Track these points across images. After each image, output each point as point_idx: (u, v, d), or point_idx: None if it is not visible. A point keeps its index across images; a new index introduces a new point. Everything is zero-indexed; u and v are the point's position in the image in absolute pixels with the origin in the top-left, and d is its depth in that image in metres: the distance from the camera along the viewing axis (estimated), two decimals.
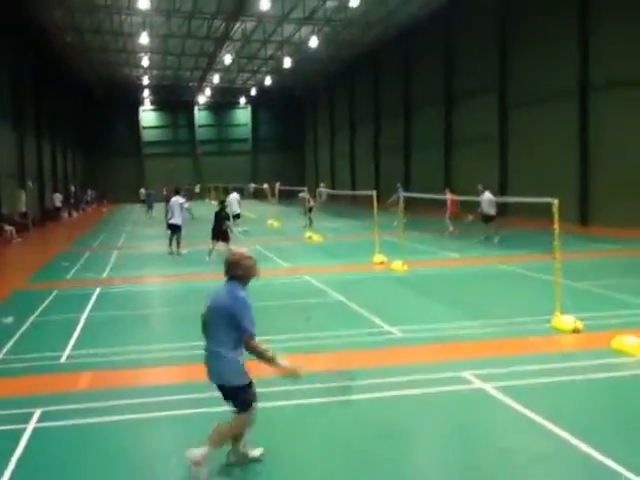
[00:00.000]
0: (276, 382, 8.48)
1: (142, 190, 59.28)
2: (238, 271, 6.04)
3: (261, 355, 5.89)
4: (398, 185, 31.60)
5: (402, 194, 21.01)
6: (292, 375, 6.04)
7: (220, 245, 21.14)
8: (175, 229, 23.41)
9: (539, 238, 23.54)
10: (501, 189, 35.20)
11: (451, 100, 42.32)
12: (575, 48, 29.50)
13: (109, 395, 8.37)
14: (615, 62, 27.49)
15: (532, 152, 33.38)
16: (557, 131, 31.33)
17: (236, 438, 6.15)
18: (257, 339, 5.93)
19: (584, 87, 29.35)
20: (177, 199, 23.60)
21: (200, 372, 9.19)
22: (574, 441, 6.44)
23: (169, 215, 23.91)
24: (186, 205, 23.71)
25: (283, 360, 5.97)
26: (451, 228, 26.83)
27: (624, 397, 7.97)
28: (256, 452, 6.28)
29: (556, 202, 11.12)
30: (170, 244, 23.61)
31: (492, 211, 23.94)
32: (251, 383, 6.05)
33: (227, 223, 21.78)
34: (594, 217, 29.25)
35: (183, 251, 23.37)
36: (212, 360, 5.98)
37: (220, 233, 21.41)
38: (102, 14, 41.94)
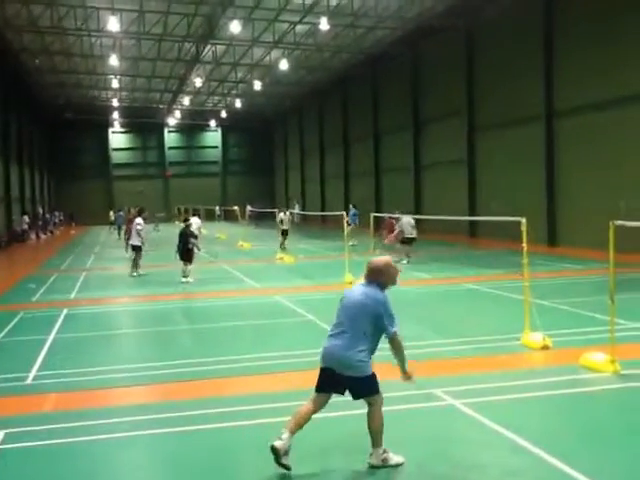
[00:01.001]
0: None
1: (111, 212, 58.81)
2: (382, 277, 6.29)
3: (402, 352, 6.29)
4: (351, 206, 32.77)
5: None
6: (411, 380, 6.51)
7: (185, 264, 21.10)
8: (134, 249, 23.24)
9: (507, 258, 23.83)
10: (470, 211, 35.58)
11: (419, 124, 42.79)
12: (540, 74, 29.99)
13: (75, 416, 8.21)
14: (579, 88, 27.98)
15: (500, 175, 33.81)
16: (524, 154, 31.78)
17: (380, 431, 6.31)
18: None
19: (549, 112, 29.82)
20: (137, 221, 23.41)
21: (167, 391, 9.27)
22: (545, 456, 6.44)
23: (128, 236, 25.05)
24: (139, 227, 23.07)
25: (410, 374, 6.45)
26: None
27: (593, 412, 8.04)
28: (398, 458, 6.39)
29: (524, 221, 11.25)
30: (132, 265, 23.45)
31: (414, 233, 24.21)
32: (374, 374, 6.26)
33: (192, 241, 21.23)
34: (561, 238, 29.62)
35: (140, 272, 23.13)
36: (344, 355, 6.09)
37: (184, 252, 21.02)
38: (72, 37, 41.76)
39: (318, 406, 6.36)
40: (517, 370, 9.76)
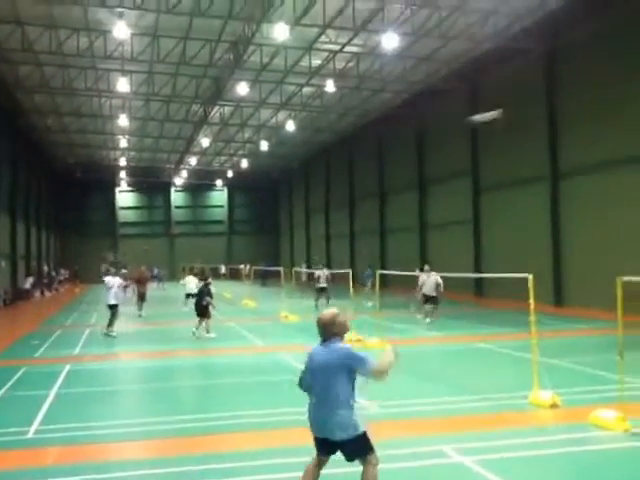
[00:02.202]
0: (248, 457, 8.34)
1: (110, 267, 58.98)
2: (334, 329, 6.25)
3: (387, 369, 6.14)
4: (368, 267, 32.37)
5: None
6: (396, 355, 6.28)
7: (201, 321, 21.62)
8: (110, 308, 22.58)
9: (514, 318, 23.70)
10: (476, 271, 35.53)
11: (425, 184, 43.11)
12: (544, 135, 30.31)
13: (76, 470, 8.12)
14: (583, 150, 28.24)
15: (506, 235, 33.89)
16: (530, 215, 31.90)
17: None
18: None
19: (554, 173, 30.03)
20: (115, 280, 22.89)
21: (168, 447, 9.13)
22: None
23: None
24: (115, 287, 22.55)
25: (390, 355, 6.25)
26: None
27: (604, 470, 7.89)
28: None
29: (531, 277, 11.23)
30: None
31: (434, 292, 23.68)
32: (365, 432, 6.15)
33: (207, 299, 21.66)
34: (568, 298, 29.46)
35: (112, 333, 22.38)
36: (327, 418, 6.06)
37: (200, 308, 21.61)
38: (82, 97, 42.53)
39: (321, 465, 6.42)
40: (526, 428, 9.60)
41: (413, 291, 27.02)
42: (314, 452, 8.40)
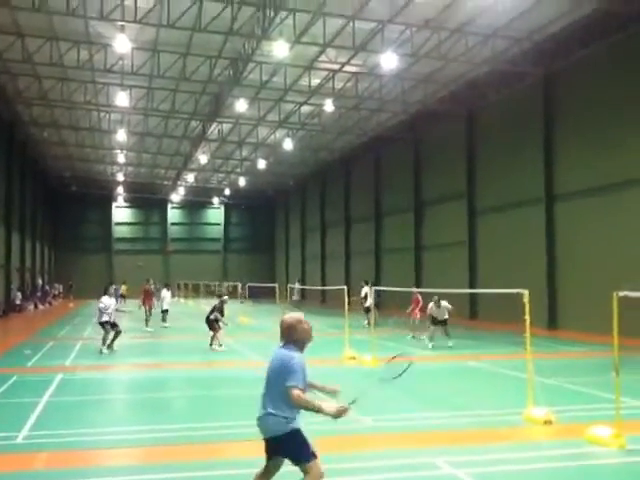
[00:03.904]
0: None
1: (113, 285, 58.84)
2: (294, 335, 6.06)
3: (307, 405, 5.82)
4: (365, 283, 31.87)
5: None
6: (340, 414, 5.89)
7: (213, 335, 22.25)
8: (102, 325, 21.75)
9: (508, 339, 23.65)
10: (470, 293, 35.47)
11: (420, 206, 43.17)
12: (540, 158, 30.41)
13: (65, 475, 8.08)
14: (578, 172, 28.35)
15: (500, 257, 33.89)
16: (524, 237, 31.92)
17: None
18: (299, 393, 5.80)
19: (549, 195, 30.11)
20: (112, 302, 22.18)
21: (156, 454, 9.05)
22: None
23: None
24: (101, 305, 21.69)
25: (329, 405, 5.91)
26: (413, 334, 26.08)
27: None
28: None
29: (526, 292, 11.20)
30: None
31: (446, 315, 23.08)
32: (300, 431, 5.94)
33: (216, 314, 22.44)
34: (562, 322, 29.41)
35: (105, 350, 21.34)
36: (263, 418, 6.01)
37: (209, 322, 22.48)
38: (81, 110, 42.62)
39: (268, 472, 6.28)
40: (519, 443, 9.54)
41: (407, 314, 26.94)
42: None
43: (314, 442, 9.54)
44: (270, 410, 5.90)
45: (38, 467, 8.59)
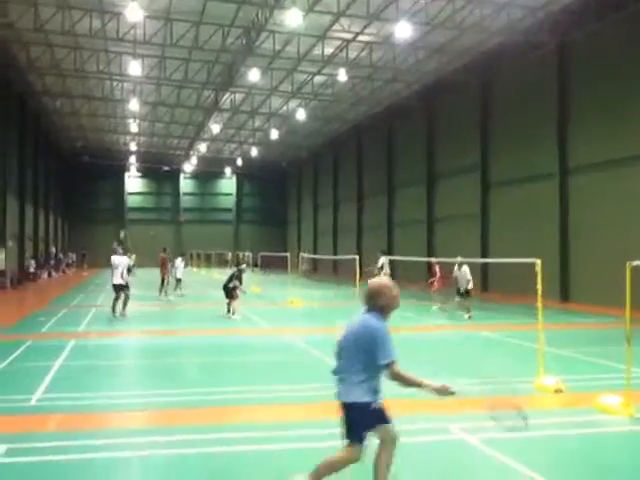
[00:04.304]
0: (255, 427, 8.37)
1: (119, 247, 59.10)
2: (380, 301, 5.71)
3: (407, 380, 5.64)
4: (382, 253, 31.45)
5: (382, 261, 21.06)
6: (443, 392, 5.74)
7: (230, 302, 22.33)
8: (116, 289, 22.03)
9: (520, 310, 23.66)
10: (482, 266, 35.38)
11: (433, 178, 42.95)
12: (554, 130, 30.12)
13: (77, 436, 8.15)
14: (593, 146, 28.07)
15: (513, 231, 33.72)
16: (538, 211, 31.73)
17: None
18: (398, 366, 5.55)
19: (564, 168, 29.86)
20: (123, 260, 22.35)
21: (170, 417, 9.18)
22: None
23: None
24: (116, 264, 21.81)
25: (432, 382, 5.69)
26: (439, 305, 25.90)
27: (606, 451, 7.92)
28: None
29: (539, 262, 11.19)
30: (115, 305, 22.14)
31: (468, 285, 22.49)
32: (371, 405, 5.62)
33: (235, 283, 22.37)
34: (574, 294, 29.34)
35: (126, 312, 21.91)
36: (340, 384, 5.72)
37: (227, 290, 22.43)
38: (93, 80, 42.54)
39: (350, 456, 5.81)
40: (530, 410, 9.54)
41: (428, 285, 26.80)
42: (312, 428, 8.50)
43: (321, 408, 9.72)
44: (352, 380, 5.61)
45: (51, 429, 8.71)
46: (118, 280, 21.80)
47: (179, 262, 32.25)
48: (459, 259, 22.66)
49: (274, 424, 8.71)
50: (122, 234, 66.78)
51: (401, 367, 5.55)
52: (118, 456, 7.46)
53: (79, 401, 10.09)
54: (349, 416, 5.68)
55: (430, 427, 8.55)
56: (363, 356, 5.56)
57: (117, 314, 21.72)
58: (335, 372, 5.80)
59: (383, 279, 5.96)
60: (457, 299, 22.87)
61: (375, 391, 5.68)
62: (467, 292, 22.62)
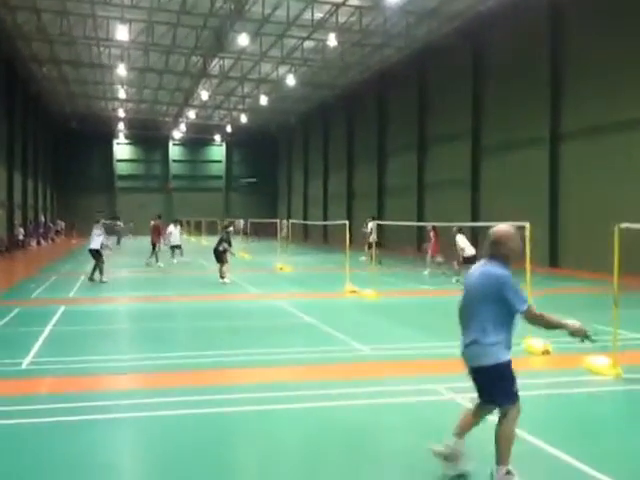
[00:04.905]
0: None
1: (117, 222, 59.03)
2: (502, 250, 5.39)
3: (549, 321, 5.39)
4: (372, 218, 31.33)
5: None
6: (580, 332, 5.45)
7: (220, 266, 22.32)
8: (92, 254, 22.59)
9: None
10: (472, 232, 35.40)
11: (424, 144, 42.80)
12: (547, 96, 29.99)
13: (68, 398, 8.22)
14: (584, 112, 27.99)
15: (503, 196, 33.69)
16: (528, 177, 31.70)
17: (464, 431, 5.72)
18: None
19: (555, 134, 29.80)
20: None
21: (160, 379, 9.23)
22: (542, 444, 6.48)
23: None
24: (98, 232, 23.02)
25: (570, 321, 5.46)
26: (429, 269, 25.86)
27: (592, 408, 8.10)
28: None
29: (528, 225, 11.25)
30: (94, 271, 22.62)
31: (470, 251, 22.27)
32: (509, 364, 5.41)
33: (225, 245, 22.40)
34: (563, 260, 29.50)
35: (104, 278, 22.42)
36: (468, 347, 5.45)
37: (217, 254, 22.41)
38: (81, 45, 41.98)
39: (479, 412, 5.74)
40: (518, 371, 9.63)
41: (424, 250, 26.63)
42: (306, 389, 8.58)
43: (311, 369, 9.77)
44: (475, 337, 5.35)
45: (42, 391, 8.72)
46: (94, 245, 22.69)
47: (172, 228, 32.10)
48: (455, 228, 22.61)
49: (266, 385, 8.77)
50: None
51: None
52: (109, 418, 7.51)
53: (69, 365, 10.10)
54: (492, 379, 5.43)
55: (419, 388, 8.62)
56: (493, 307, 5.27)
57: (104, 278, 22.06)
58: (464, 336, 5.53)
59: (509, 227, 5.59)
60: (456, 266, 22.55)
61: (510, 346, 5.46)
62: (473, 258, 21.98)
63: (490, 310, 5.28)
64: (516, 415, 5.43)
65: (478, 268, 5.52)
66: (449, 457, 5.65)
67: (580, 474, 5.79)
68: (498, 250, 5.40)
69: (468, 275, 5.66)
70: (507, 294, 5.22)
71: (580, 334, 5.46)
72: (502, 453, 5.39)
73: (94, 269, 22.64)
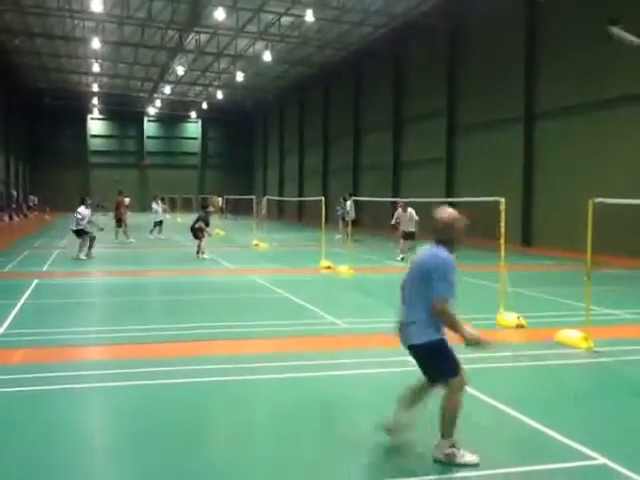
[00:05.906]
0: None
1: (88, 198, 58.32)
2: (448, 233, 5.41)
3: (451, 322, 5.25)
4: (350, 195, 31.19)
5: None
6: (480, 343, 5.32)
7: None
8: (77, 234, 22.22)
9: (482, 254, 23.87)
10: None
11: (400, 122, 42.77)
12: (521, 76, 30.07)
13: (40, 369, 8.15)
14: (559, 91, 28.12)
15: (478, 175, 33.82)
16: (503, 155, 31.85)
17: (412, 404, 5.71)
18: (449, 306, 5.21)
19: (530, 113, 29.93)
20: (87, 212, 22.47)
21: (134, 351, 9.19)
22: (517, 414, 6.55)
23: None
24: (78, 216, 22.16)
25: (474, 331, 5.33)
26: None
27: (565, 379, 8.23)
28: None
29: (503, 200, 11.33)
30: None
31: (413, 228, 22.46)
32: (443, 341, 5.36)
33: (201, 224, 22.70)
34: (536, 238, 29.76)
35: (92, 254, 22.32)
36: (405, 327, 5.47)
37: (194, 231, 22.81)
38: (54, 18, 41.27)
39: (422, 385, 5.70)
40: (496, 343, 9.76)
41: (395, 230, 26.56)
42: (270, 360, 8.62)
43: (285, 341, 9.80)
44: (412, 318, 5.38)
45: (14, 362, 8.66)
46: (73, 226, 22.25)
47: (155, 206, 32.32)
48: (402, 203, 22.96)
49: (240, 357, 8.77)
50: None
51: (450, 310, 5.21)
52: (85, 387, 7.49)
53: (44, 336, 10.05)
54: (425, 357, 5.47)
55: (388, 360, 8.55)
56: (426, 289, 5.27)
57: (82, 255, 21.74)
58: (401, 315, 5.55)
59: (453, 212, 5.51)
60: (402, 241, 22.34)
61: (441, 328, 5.39)
62: (412, 235, 22.15)
63: (426, 290, 5.28)
64: (458, 389, 5.36)
65: (426, 251, 5.51)
66: (393, 429, 5.67)
67: (551, 440, 5.88)
68: (444, 234, 5.41)
69: (414, 257, 5.72)
70: (434, 275, 5.22)
71: (481, 346, 5.37)
72: (445, 426, 5.40)
73: (89, 247, 22.14)
